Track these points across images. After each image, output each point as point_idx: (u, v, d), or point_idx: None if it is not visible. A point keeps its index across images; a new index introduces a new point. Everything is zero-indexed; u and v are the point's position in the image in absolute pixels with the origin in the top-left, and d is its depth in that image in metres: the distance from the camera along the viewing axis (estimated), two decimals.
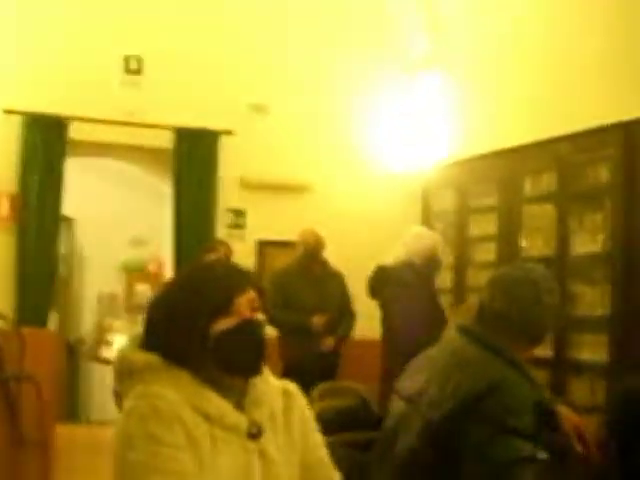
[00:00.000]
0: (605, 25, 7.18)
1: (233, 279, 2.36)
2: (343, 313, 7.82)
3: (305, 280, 7.75)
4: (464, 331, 3.07)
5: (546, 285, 3.06)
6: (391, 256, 7.41)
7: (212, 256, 7.67)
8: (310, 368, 7.12)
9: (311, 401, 3.24)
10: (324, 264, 7.92)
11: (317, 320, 7.59)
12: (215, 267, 2.49)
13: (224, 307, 2.30)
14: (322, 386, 3.88)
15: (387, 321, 7.39)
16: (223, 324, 2.29)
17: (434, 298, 7.45)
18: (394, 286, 7.23)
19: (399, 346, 6.92)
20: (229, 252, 8.02)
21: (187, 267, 3.06)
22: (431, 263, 7.38)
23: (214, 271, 2.42)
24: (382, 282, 7.37)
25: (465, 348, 3.01)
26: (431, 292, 7.45)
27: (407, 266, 7.25)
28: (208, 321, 2.29)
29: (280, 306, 7.57)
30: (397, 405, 3.14)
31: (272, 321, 7.37)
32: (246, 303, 2.32)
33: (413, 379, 3.11)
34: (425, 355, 3.22)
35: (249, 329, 2.32)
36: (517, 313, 2.99)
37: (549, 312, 3.04)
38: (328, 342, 7.64)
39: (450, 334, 3.16)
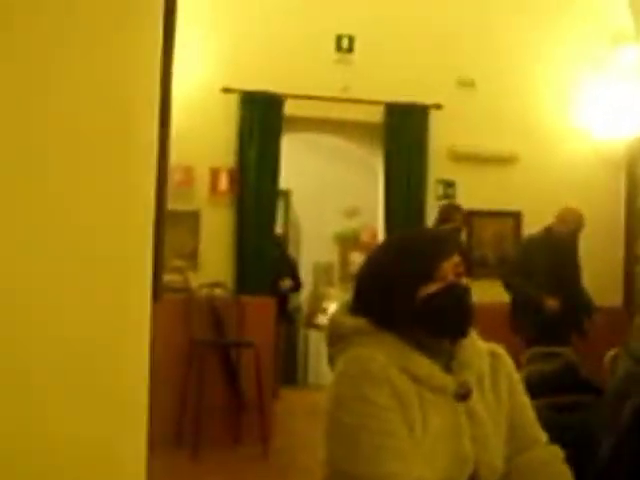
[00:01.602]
0: None
1: (438, 245, 2.41)
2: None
3: (555, 258, 7.75)
4: None
5: None
6: None
7: (449, 225, 7.80)
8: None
9: (520, 365, 3.21)
10: (576, 247, 7.95)
11: (551, 302, 7.58)
12: (421, 234, 2.61)
13: (429, 272, 2.34)
14: (531, 350, 3.82)
15: None
16: (429, 289, 2.33)
17: None
18: None
19: None
20: (464, 219, 8.10)
21: (394, 235, 3.15)
22: None
23: (420, 238, 2.51)
24: None
25: None
26: None
27: None
28: (415, 286, 2.34)
29: (522, 274, 7.68)
30: (625, 365, 3.07)
31: (510, 287, 7.68)
32: (451, 268, 2.36)
33: None
34: None
35: (454, 293, 2.35)
36: None
37: None
38: (551, 302, 7.60)
39: None
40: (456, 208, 8.23)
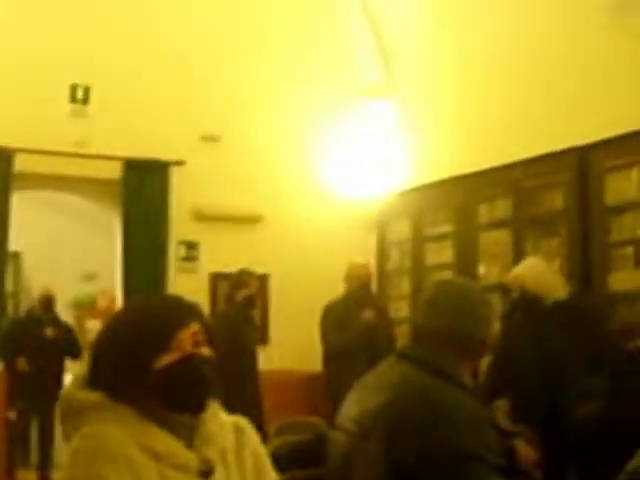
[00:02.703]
0: (557, 52, 7.27)
1: (174, 313, 2.30)
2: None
3: (357, 313, 7.52)
4: (404, 356, 2.93)
5: (479, 297, 2.98)
6: None
7: (244, 292, 7.47)
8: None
9: (268, 437, 3.16)
10: (372, 297, 7.86)
11: (367, 314, 7.39)
12: (157, 302, 2.46)
13: (165, 342, 2.24)
14: (279, 422, 3.76)
15: None
16: (165, 359, 2.23)
17: None
18: None
19: None
20: (260, 285, 7.86)
21: (132, 303, 2.97)
22: None
23: (155, 306, 2.39)
24: None
25: (407, 374, 2.84)
26: None
27: None
28: (150, 356, 2.23)
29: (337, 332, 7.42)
30: (340, 439, 2.99)
31: (332, 347, 7.41)
32: (188, 338, 2.26)
33: (355, 409, 2.94)
34: (363, 385, 3.05)
35: (191, 364, 2.25)
36: (453, 327, 2.87)
37: (484, 324, 2.93)
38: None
39: (389, 361, 3.01)
40: (250, 274, 7.84)
